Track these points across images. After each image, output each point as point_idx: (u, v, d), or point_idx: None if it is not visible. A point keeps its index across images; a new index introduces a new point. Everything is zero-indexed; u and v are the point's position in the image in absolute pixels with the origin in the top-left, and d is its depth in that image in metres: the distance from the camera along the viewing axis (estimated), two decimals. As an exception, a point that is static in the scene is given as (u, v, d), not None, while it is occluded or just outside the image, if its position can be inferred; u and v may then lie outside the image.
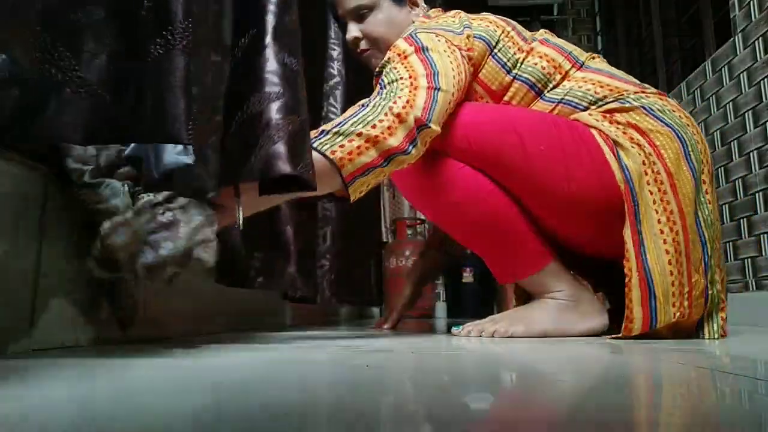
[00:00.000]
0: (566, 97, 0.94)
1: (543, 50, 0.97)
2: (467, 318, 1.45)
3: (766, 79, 1.82)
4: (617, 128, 0.89)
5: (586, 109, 0.94)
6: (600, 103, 0.93)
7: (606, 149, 0.88)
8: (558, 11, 3.70)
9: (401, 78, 0.84)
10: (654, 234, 0.83)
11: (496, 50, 0.96)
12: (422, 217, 3.51)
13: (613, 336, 0.88)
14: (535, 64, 0.95)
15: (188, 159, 0.60)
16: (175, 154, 0.60)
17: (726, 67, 2.04)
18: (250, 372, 0.44)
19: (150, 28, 0.51)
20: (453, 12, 1.02)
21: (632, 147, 0.86)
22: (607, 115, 0.91)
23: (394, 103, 0.79)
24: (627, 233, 0.84)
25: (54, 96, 0.47)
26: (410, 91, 0.81)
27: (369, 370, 0.45)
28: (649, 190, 0.84)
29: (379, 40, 1.01)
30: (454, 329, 0.96)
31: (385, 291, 2.92)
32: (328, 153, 0.74)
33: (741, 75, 1.95)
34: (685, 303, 0.83)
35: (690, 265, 0.84)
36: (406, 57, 0.87)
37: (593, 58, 1.00)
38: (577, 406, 0.31)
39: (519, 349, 0.67)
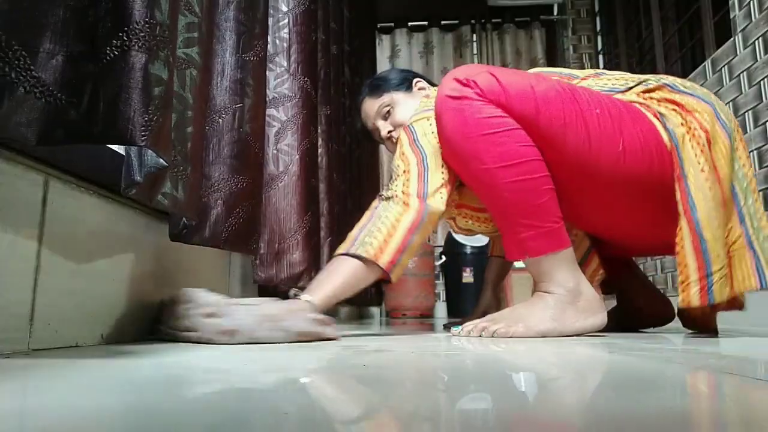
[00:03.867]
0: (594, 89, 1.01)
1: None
2: (467, 318, 1.46)
3: (766, 79, 1.82)
4: (655, 102, 0.99)
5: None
6: (626, 90, 1.02)
7: (652, 118, 0.96)
8: (558, 11, 3.70)
9: (398, 174, 1.00)
10: (699, 187, 0.90)
11: None
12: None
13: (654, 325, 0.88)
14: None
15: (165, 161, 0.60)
16: (155, 157, 0.60)
17: (726, 67, 2.04)
18: (249, 372, 0.44)
19: (107, 30, 0.51)
20: None
21: (671, 113, 0.96)
22: (642, 94, 1.00)
23: (394, 195, 0.97)
24: (677, 189, 0.91)
25: (7, 95, 0.47)
26: (404, 182, 0.98)
27: (370, 370, 0.45)
28: (691, 145, 0.92)
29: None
30: (453, 329, 0.96)
31: (385, 291, 2.92)
32: (362, 254, 0.90)
33: (741, 75, 1.95)
34: (725, 249, 0.91)
35: (727, 212, 0.93)
36: (403, 153, 1.03)
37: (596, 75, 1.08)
38: (576, 406, 0.31)
39: (519, 350, 0.67)
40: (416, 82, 1.26)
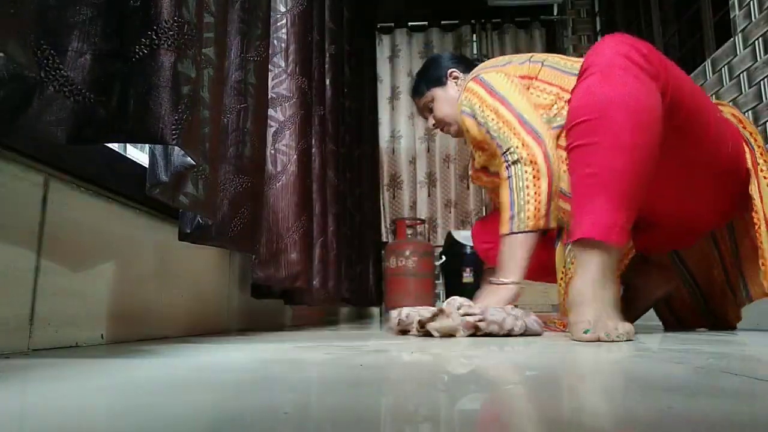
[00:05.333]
0: None
1: None
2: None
3: (766, 79, 1.82)
4: (727, 115, 1.14)
5: None
6: None
7: (736, 126, 1.12)
8: (558, 11, 3.70)
9: (499, 126, 1.17)
10: (764, 188, 1.07)
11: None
12: (422, 217, 3.50)
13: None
14: None
15: (193, 161, 0.60)
16: (181, 156, 0.60)
17: (726, 67, 2.04)
18: (249, 372, 0.44)
19: (135, 29, 0.51)
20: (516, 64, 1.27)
21: (743, 129, 1.12)
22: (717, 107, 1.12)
23: (519, 157, 1.14)
24: (754, 189, 1.06)
25: (37, 94, 0.47)
26: (513, 134, 1.15)
27: (369, 370, 0.45)
28: (759, 153, 1.10)
29: (445, 118, 1.43)
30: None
31: (384, 291, 2.92)
32: (524, 228, 1.12)
33: (741, 75, 1.95)
34: None
35: None
36: (494, 110, 1.19)
37: None
38: (577, 406, 0.31)
39: (519, 350, 0.67)
40: (450, 73, 1.44)
